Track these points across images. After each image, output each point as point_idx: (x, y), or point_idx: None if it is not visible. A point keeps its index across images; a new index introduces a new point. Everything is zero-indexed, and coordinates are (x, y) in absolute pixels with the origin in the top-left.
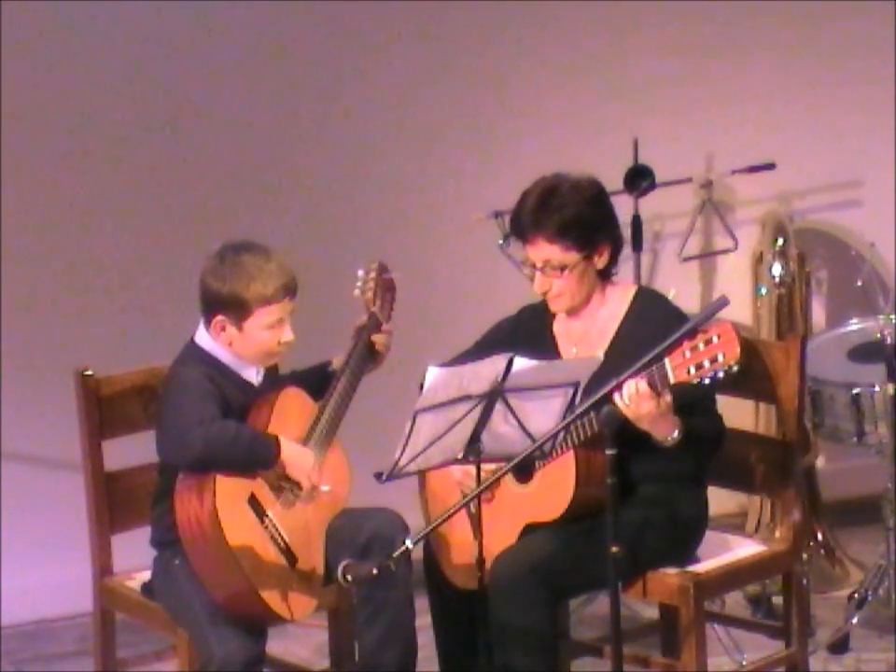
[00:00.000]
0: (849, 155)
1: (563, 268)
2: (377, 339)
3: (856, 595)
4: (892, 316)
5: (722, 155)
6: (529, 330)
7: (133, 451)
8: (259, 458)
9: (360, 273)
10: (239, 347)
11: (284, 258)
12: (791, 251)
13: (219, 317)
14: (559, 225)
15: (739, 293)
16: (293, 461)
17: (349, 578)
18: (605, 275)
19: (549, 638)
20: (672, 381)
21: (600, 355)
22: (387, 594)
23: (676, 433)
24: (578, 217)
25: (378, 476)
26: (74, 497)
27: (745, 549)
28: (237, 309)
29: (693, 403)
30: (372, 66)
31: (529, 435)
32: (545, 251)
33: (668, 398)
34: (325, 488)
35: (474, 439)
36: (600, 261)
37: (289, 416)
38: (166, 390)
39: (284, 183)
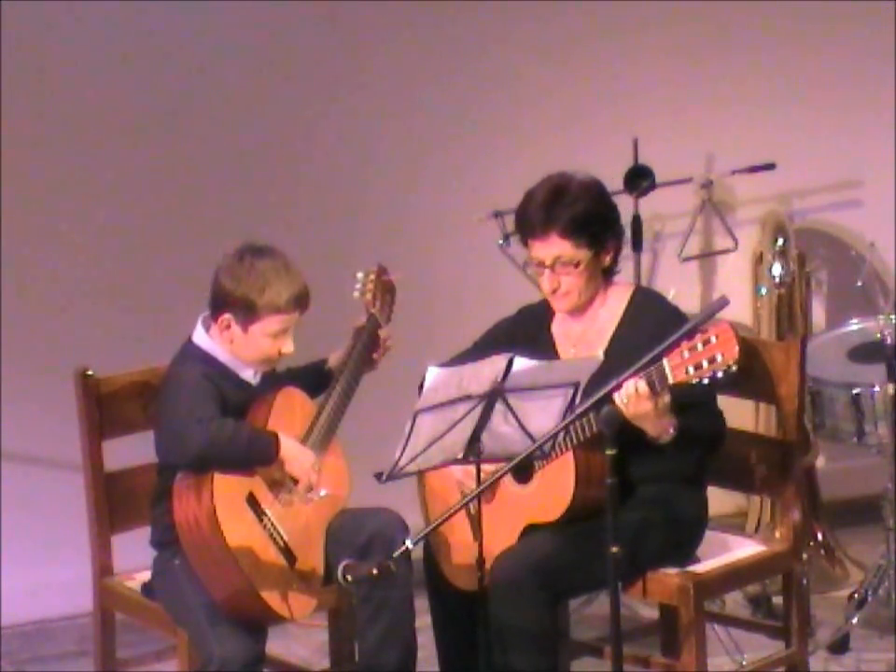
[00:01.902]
0: (849, 155)
1: (576, 264)
2: (375, 353)
3: (856, 595)
4: (892, 316)
5: (722, 155)
6: (528, 331)
7: (133, 451)
8: (258, 456)
9: (359, 274)
10: (239, 348)
11: (300, 269)
12: (791, 251)
13: (226, 315)
14: (573, 220)
15: (739, 293)
16: (293, 458)
17: (349, 578)
18: (608, 275)
19: (549, 638)
20: (670, 381)
21: (600, 354)
22: (387, 594)
23: (671, 431)
24: (590, 213)
25: (378, 476)
26: (74, 497)
27: (745, 549)
28: (246, 312)
29: (692, 402)
30: (372, 67)
31: (529, 435)
32: (557, 247)
33: (667, 398)
34: (323, 493)
35: (474, 439)
36: (606, 260)
37: (288, 416)
38: (164, 390)
39: (284, 183)
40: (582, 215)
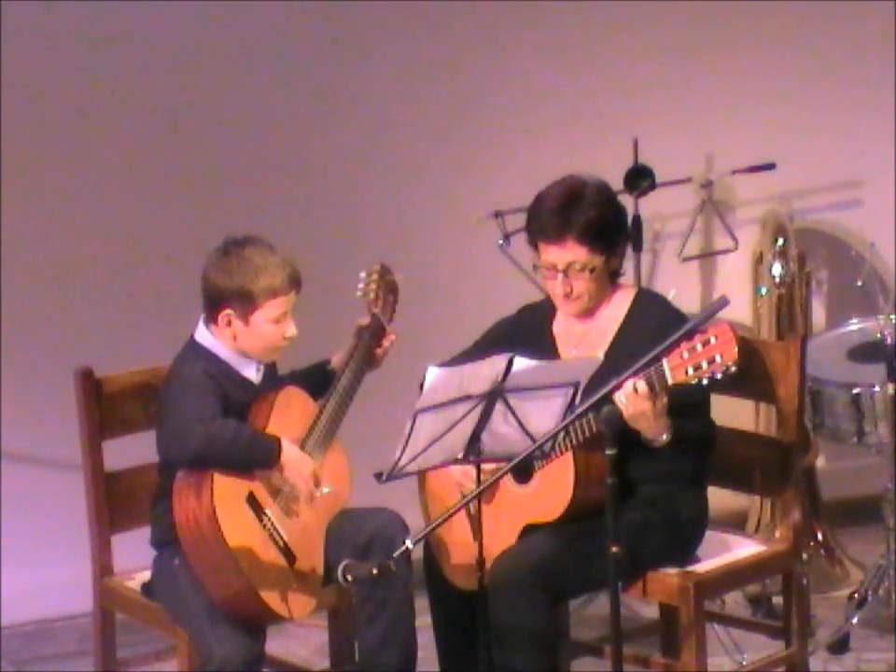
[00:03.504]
0: (849, 155)
1: (591, 269)
2: (378, 349)
3: (856, 595)
4: (892, 316)
5: (722, 155)
6: (529, 331)
7: (133, 451)
8: (258, 458)
9: (362, 274)
10: (244, 341)
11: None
12: (791, 251)
13: (226, 311)
14: (589, 226)
15: (739, 293)
16: (293, 464)
17: (349, 578)
18: (613, 277)
19: (549, 638)
20: (670, 382)
21: (600, 355)
22: (387, 594)
23: (665, 436)
24: (605, 219)
25: (378, 476)
26: (74, 497)
27: (745, 549)
28: (244, 302)
29: (687, 406)
30: (372, 67)
31: (529, 435)
32: (571, 252)
33: (665, 399)
34: (326, 489)
35: (474, 439)
36: (615, 263)
37: (289, 416)
38: (167, 387)
39: (284, 183)
40: (599, 221)
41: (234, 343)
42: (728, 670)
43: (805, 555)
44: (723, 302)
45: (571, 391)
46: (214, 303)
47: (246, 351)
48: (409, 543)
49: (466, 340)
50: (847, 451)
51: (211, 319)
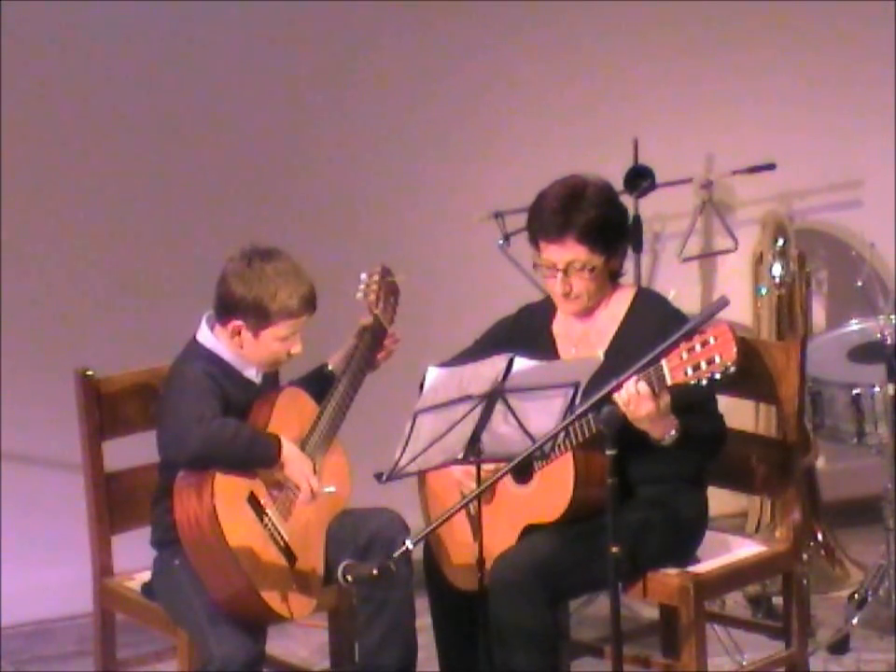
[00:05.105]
0: (849, 155)
1: (591, 269)
2: (382, 351)
3: (856, 595)
4: (892, 316)
5: (722, 155)
6: (528, 330)
7: (133, 451)
8: (258, 457)
9: (363, 276)
10: (249, 352)
11: (307, 270)
12: (791, 251)
13: (237, 322)
14: (590, 226)
15: (739, 293)
16: (293, 463)
17: (349, 578)
18: (613, 277)
19: (549, 639)
20: (669, 382)
21: (600, 355)
22: (387, 594)
23: (673, 432)
24: (606, 219)
25: (378, 476)
26: (74, 497)
27: (745, 549)
28: (258, 317)
29: (692, 404)
30: (372, 67)
31: (529, 435)
32: (572, 252)
33: (667, 398)
34: (329, 489)
35: (474, 439)
36: (615, 263)
37: (290, 416)
38: (167, 387)
39: (284, 185)
40: (599, 220)
41: (239, 352)
42: (728, 670)
43: (805, 555)
44: (723, 303)
45: (571, 391)
46: (227, 310)
47: (248, 359)
48: (409, 544)
49: (466, 340)
50: (846, 451)
51: (219, 322)
